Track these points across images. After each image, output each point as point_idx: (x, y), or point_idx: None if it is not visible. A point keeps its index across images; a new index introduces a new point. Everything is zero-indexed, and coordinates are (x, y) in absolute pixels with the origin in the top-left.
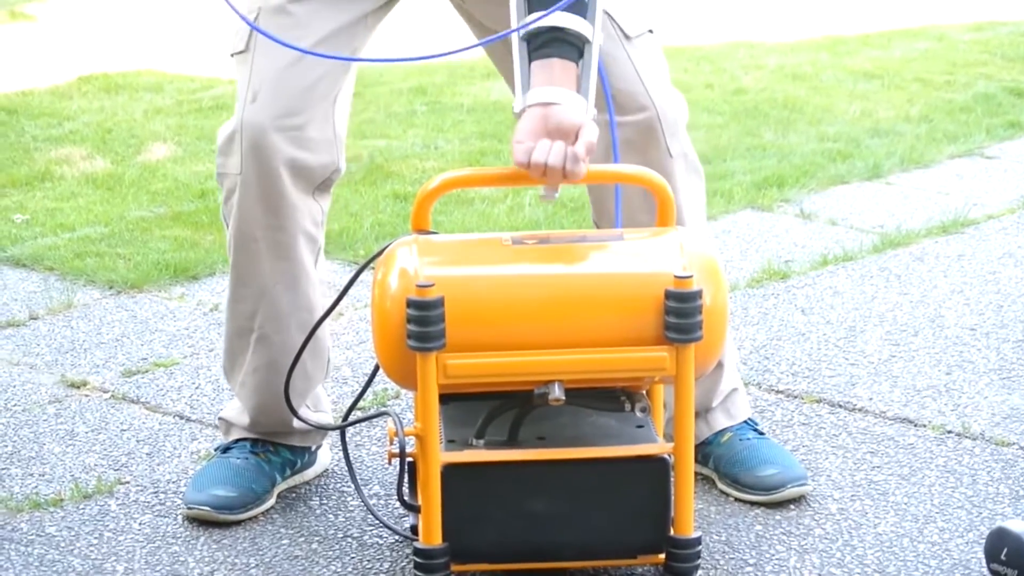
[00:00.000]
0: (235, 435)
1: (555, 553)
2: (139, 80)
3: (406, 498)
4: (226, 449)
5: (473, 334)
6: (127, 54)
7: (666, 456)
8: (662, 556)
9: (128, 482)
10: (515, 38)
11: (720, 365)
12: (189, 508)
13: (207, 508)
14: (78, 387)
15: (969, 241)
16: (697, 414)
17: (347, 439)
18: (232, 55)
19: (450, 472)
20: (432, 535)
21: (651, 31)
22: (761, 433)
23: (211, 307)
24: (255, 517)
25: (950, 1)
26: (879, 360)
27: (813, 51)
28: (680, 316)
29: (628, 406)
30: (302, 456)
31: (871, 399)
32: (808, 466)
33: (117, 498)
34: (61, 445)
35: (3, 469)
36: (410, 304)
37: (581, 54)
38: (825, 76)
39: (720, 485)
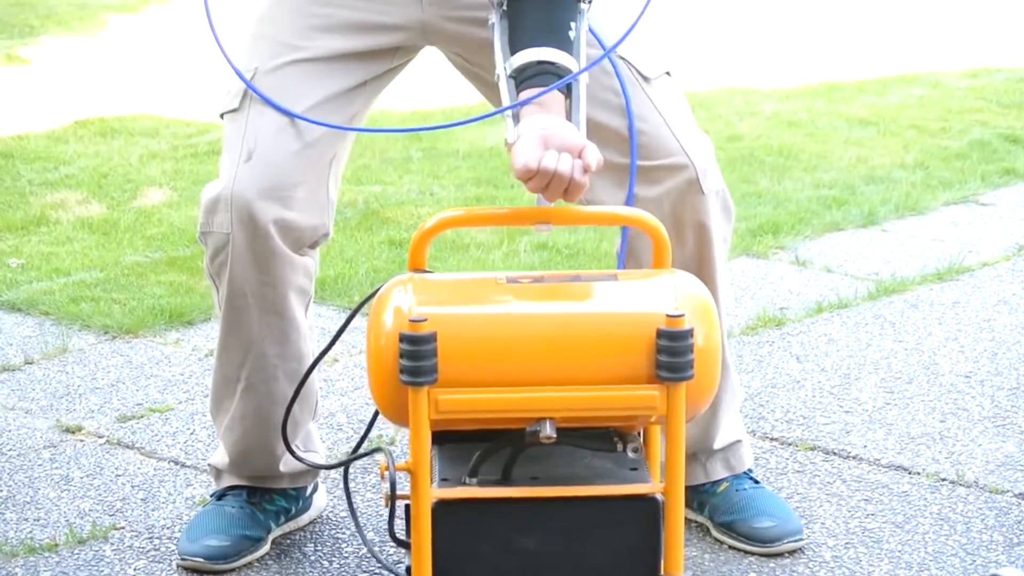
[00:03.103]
0: (227, 481)
1: None
2: (135, 124)
3: (398, 535)
4: (221, 496)
5: (465, 370)
6: (123, 98)
7: (657, 496)
8: None
9: (123, 527)
10: (502, 75)
11: (719, 406)
12: (183, 559)
13: (201, 559)
14: (73, 432)
15: (964, 288)
16: (695, 457)
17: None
18: (223, 114)
19: (441, 508)
20: (423, 572)
21: (668, 73)
22: (757, 482)
23: (206, 352)
24: (250, 564)
25: (945, 48)
26: (873, 408)
27: (809, 98)
28: (672, 355)
29: (620, 446)
30: (296, 503)
31: (865, 447)
32: (802, 514)
33: (112, 543)
34: (56, 490)
35: None
36: (402, 339)
37: (570, 88)
38: (821, 123)
39: (715, 533)
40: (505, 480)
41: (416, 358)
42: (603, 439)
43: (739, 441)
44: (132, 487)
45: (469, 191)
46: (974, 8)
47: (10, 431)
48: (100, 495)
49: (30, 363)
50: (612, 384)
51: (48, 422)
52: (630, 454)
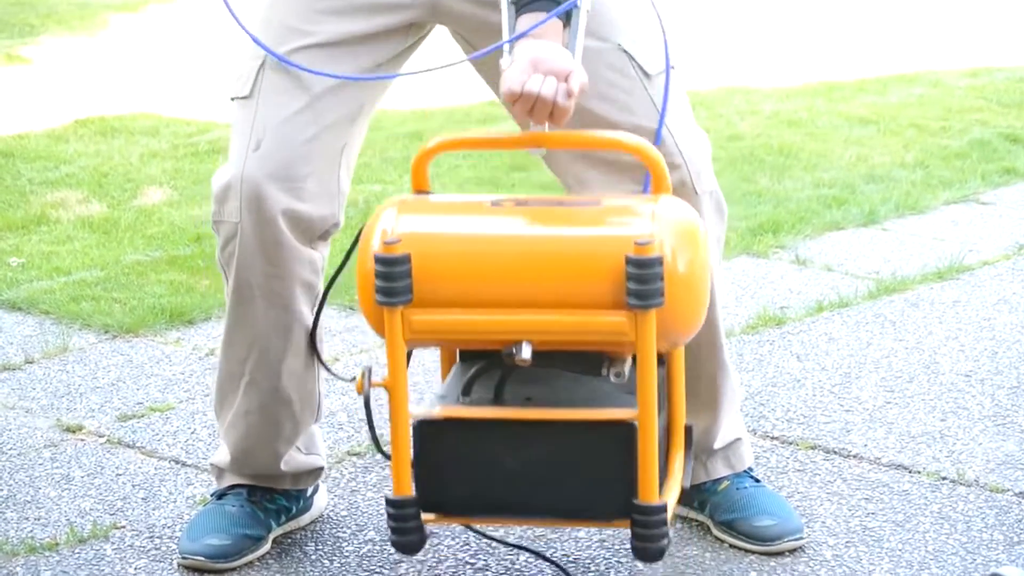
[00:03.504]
0: (228, 480)
1: (523, 511)
2: (135, 123)
3: (385, 449)
4: (221, 495)
5: (439, 291)
6: (123, 97)
7: (632, 421)
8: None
9: (124, 527)
10: (503, 2)
11: (719, 406)
12: (184, 558)
13: (202, 558)
14: (74, 431)
15: (964, 287)
16: (696, 457)
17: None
18: (233, 99)
19: (421, 427)
20: (402, 486)
21: (673, 67)
22: (757, 481)
23: (207, 352)
24: (250, 563)
25: (946, 47)
26: (874, 406)
27: (809, 97)
28: (639, 282)
29: (605, 371)
30: (297, 502)
31: (866, 445)
32: (803, 513)
33: (113, 543)
34: (57, 489)
35: None
36: (376, 260)
37: (570, 17)
38: (821, 122)
39: (715, 532)
40: (498, 401)
41: (389, 279)
42: (592, 363)
43: (739, 439)
44: (133, 486)
45: (470, 190)
46: (974, 7)
47: (11, 430)
48: (101, 494)
49: (31, 362)
50: (584, 309)
51: (49, 421)
52: (612, 379)
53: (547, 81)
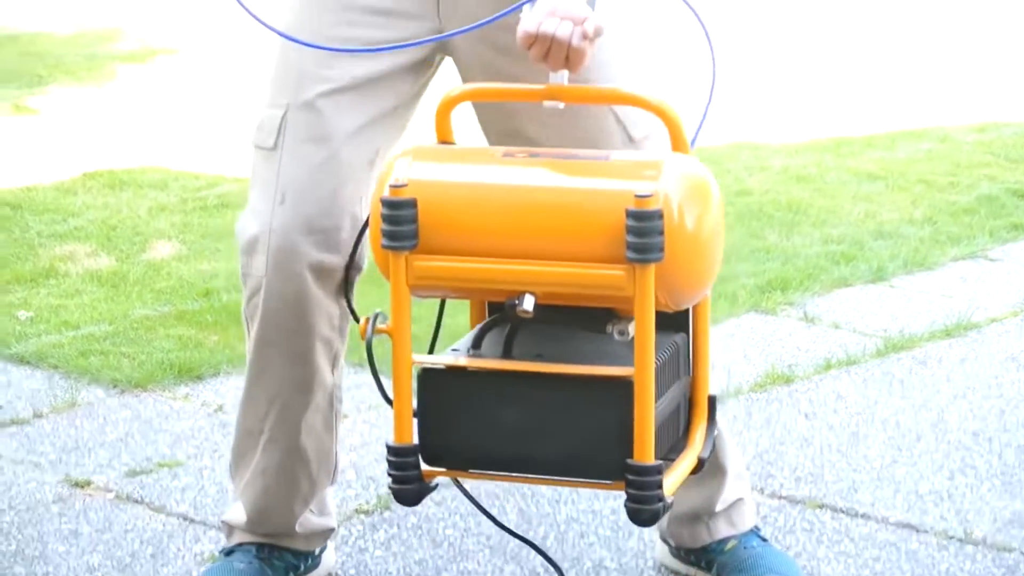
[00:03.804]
0: (238, 538)
1: (522, 467)
2: (144, 177)
3: (390, 395)
4: (229, 552)
5: (444, 238)
6: (131, 150)
7: (630, 379)
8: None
9: None
10: None
11: (722, 471)
12: None
13: None
14: (82, 486)
15: (972, 345)
16: (699, 518)
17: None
18: (256, 147)
19: (424, 376)
20: (403, 433)
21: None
22: (764, 540)
23: (215, 407)
24: None
25: (954, 102)
26: (881, 465)
27: (818, 152)
28: (638, 235)
29: (609, 328)
30: (305, 560)
31: (873, 504)
32: (811, 572)
33: None
34: (65, 544)
35: (7, 568)
36: (382, 203)
37: None
38: (829, 177)
39: None
40: (505, 355)
41: (393, 222)
42: (598, 320)
43: (740, 499)
44: (141, 542)
45: None
46: (982, 62)
47: (19, 485)
48: (109, 550)
49: (39, 416)
50: (586, 262)
51: (57, 476)
52: (616, 336)
53: (562, 24)
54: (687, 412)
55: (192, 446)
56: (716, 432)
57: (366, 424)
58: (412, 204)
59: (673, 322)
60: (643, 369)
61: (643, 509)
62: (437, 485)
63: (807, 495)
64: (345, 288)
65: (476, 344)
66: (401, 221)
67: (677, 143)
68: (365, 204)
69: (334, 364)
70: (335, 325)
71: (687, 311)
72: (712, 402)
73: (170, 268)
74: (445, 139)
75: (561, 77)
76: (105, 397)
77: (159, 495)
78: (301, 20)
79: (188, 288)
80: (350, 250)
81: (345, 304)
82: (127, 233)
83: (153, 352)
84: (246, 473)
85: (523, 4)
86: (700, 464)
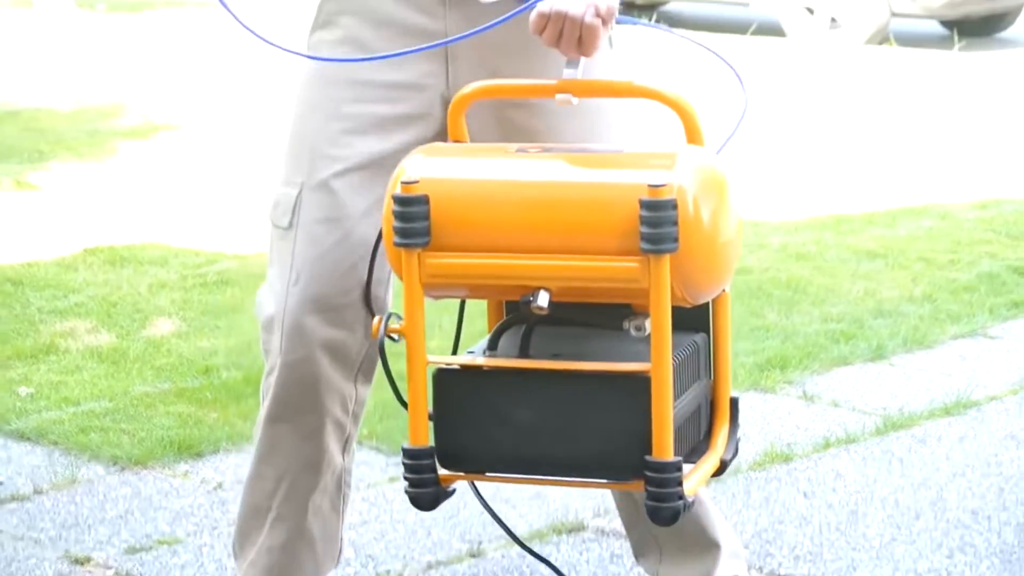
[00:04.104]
0: None
1: (539, 468)
2: (144, 253)
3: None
4: None
5: (456, 234)
6: (132, 226)
7: (646, 374)
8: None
9: None
10: None
11: (716, 547)
12: None
13: None
14: (82, 563)
15: (971, 423)
16: None
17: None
18: (273, 225)
19: (439, 376)
20: (418, 435)
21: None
22: None
23: (215, 485)
24: None
25: (954, 179)
26: (881, 543)
27: (817, 230)
28: (652, 225)
29: (626, 324)
30: None
31: None
32: None
33: None
34: None
35: None
36: (394, 200)
37: None
38: (829, 255)
39: None
40: (521, 355)
41: (406, 219)
42: (615, 314)
43: None
44: None
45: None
46: (982, 139)
47: (19, 561)
48: None
49: (39, 492)
50: (601, 255)
51: (57, 552)
52: (633, 332)
53: (575, 3)
54: (708, 415)
55: (192, 523)
56: (739, 436)
57: (365, 502)
58: (424, 201)
59: (693, 322)
60: (660, 363)
61: (663, 507)
62: (455, 491)
63: (806, 574)
64: (367, 296)
65: (492, 345)
66: (413, 218)
67: (692, 136)
68: (385, 282)
69: (345, 447)
70: (348, 408)
71: (707, 311)
72: (734, 404)
73: (170, 345)
74: (458, 139)
75: (574, 72)
76: (105, 474)
77: (159, 572)
78: (311, 98)
79: (188, 365)
80: (363, 329)
81: (365, 391)
82: (127, 309)
83: (153, 429)
84: (251, 551)
85: (527, 7)
86: (723, 466)
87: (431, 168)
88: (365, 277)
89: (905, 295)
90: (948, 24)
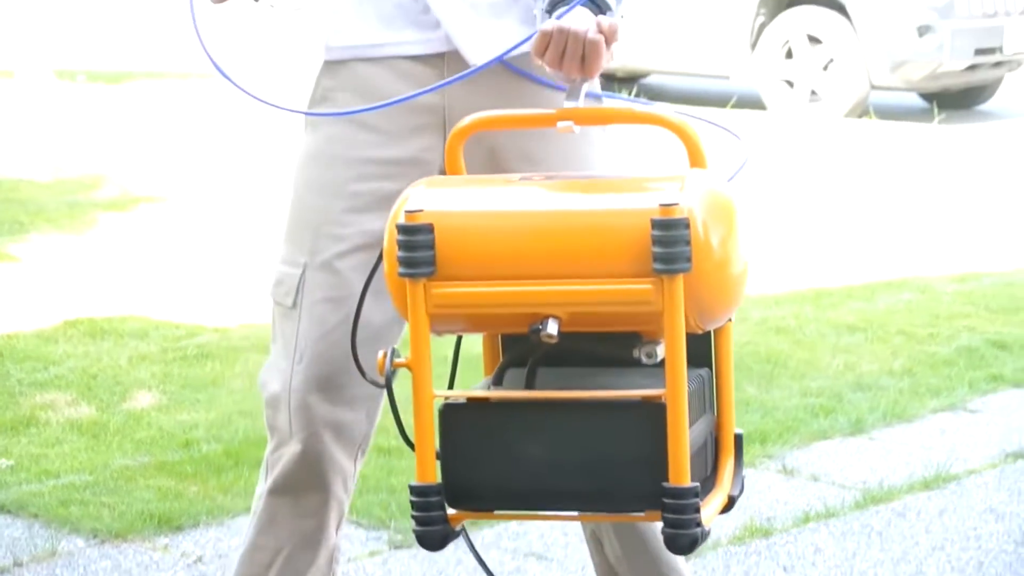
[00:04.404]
0: None
1: (552, 503)
2: (124, 326)
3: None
4: None
5: (462, 263)
6: (112, 298)
7: (660, 400)
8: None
9: None
10: (538, 14)
11: None
12: None
13: None
14: None
15: (951, 497)
16: None
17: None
18: (277, 303)
19: (446, 412)
20: (426, 472)
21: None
22: None
23: (195, 558)
24: None
25: (933, 252)
26: None
27: (797, 304)
28: (664, 245)
29: (636, 352)
30: None
31: None
32: None
33: None
34: None
35: None
36: (398, 229)
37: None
38: (809, 329)
39: None
40: (528, 387)
41: (410, 248)
42: (624, 344)
43: None
44: None
45: None
46: (961, 212)
47: None
48: None
49: (19, 565)
50: (613, 278)
51: None
52: (644, 359)
53: (576, 20)
54: (714, 450)
55: None
56: (744, 473)
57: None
58: (429, 229)
59: (696, 357)
60: (675, 386)
61: (681, 534)
62: (463, 530)
63: None
64: (353, 348)
65: (497, 382)
66: (417, 247)
67: (696, 161)
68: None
69: (339, 524)
70: (347, 486)
71: (709, 346)
72: (739, 440)
73: (150, 418)
74: (455, 172)
75: (575, 103)
76: (85, 547)
77: None
78: (312, 178)
79: (168, 438)
80: (365, 407)
81: (359, 466)
82: (107, 382)
83: (133, 502)
84: None
85: (523, 42)
86: (731, 502)
87: (435, 198)
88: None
89: (885, 369)
90: (928, 97)
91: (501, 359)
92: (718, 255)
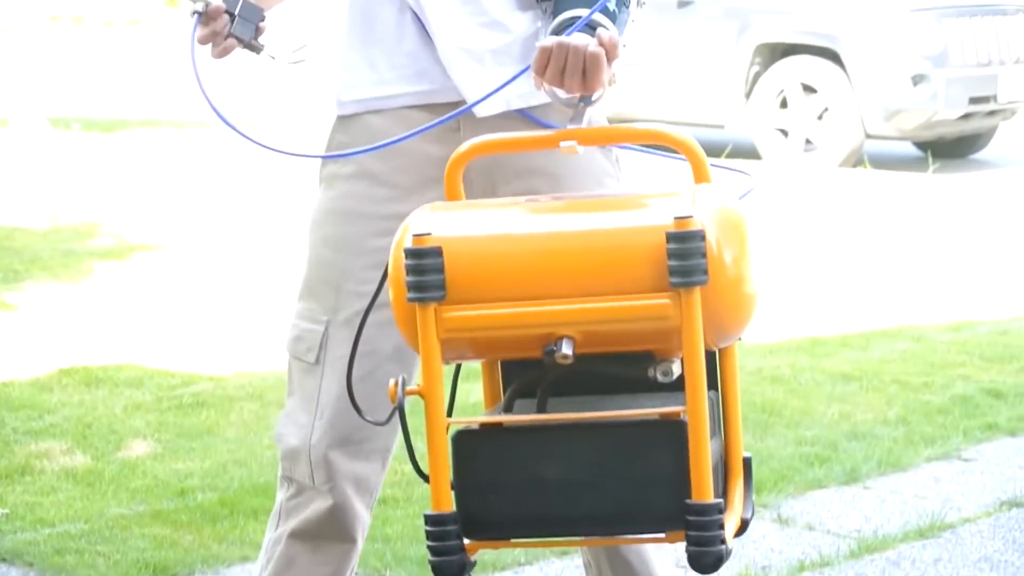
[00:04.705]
0: None
1: (571, 527)
2: (120, 374)
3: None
4: None
5: (473, 286)
6: (107, 347)
7: (680, 418)
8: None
9: None
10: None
11: None
12: None
13: None
14: None
15: (946, 545)
16: None
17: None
18: (295, 358)
19: (459, 439)
20: (440, 501)
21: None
22: None
23: None
24: None
25: (928, 301)
26: None
27: (792, 353)
28: (680, 257)
29: (652, 371)
30: None
31: None
32: None
33: None
34: None
35: None
36: (407, 253)
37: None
38: (803, 378)
39: None
40: (539, 411)
41: (419, 272)
42: (636, 366)
43: None
44: None
45: None
46: (956, 260)
47: None
48: None
49: None
50: (629, 295)
51: None
52: (659, 377)
53: (576, 36)
54: (723, 474)
55: None
56: (753, 496)
57: None
58: (438, 252)
59: None
60: (696, 401)
61: (707, 552)
62: (476, 562)
63: None
64: (348, 378)
65: (507, 409)
66: (427, 270)
67: (701, 177)
68: None
69: (351, 572)
70: (364, 535)
71: (714, 368)
72: (747, 463)
73: (145, 467)
74: (455, 198)
75: (578, 121)
76: None
77: None
78: (330, 235)
79: (163, 487)
80: (382, 460)
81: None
82: (103, 431)
83: (128, 551)
84: None
85: (523, 71)
86: (744, 525)
87: (441, 222)
88: (387, 416)
89: (879, 418)
90: (922, 146)
91: (503, 388)
92: (732, 269)
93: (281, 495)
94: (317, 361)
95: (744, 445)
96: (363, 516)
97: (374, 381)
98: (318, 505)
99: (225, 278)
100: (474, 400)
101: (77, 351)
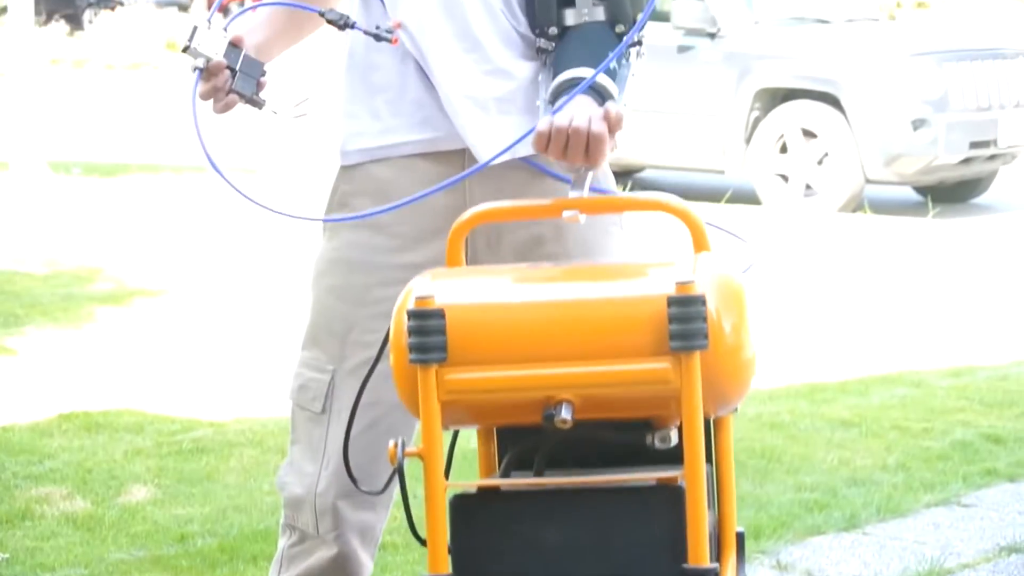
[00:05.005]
0: None
1: None
2: (120, 420)
3: (421, 533)
4: None
5: (474, 349)
6: (108, 392)
7: (678, 483)
8: None
9: None
10: (541, 105)
11: None
12: None
13: None
14: None
15: None
16: None
17: None
18: (301, 407)
19: (456, 502)
20: (438, 563)
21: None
22: None
23: None
24: None
25: (928, 346)
26: None
27: (791, 399)
28: (681, 321)
29: (650, 439)
30: None
31: None
32: None
33: None
34: None
35: None
36: (409, 315)
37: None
38: (803, 424)
39: None
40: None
41: (422, 333)
42: (633, 434)
43: None
44: None
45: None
46: (956, 306)
47: None
48: None
49: None
50: (630, 359)
51: None
52: (657, 444)
53: (577, 114)
54: (716, 548)
55: None
56: (746, 573)
57: None
58: (440, 315)
59: None
60: (693, 466)
61: None
62: None
63: None
64: (345, 448)
65: (505, 475)
66: (429, 332)
67: (700, 245)
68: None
69: None
70: None
71: (709, 441)
72: (740, 538)
73: (145, 512)
74: (455, 266)
75: (580, 193)
76: None
77: None
78: (335, 285)
79: (163, 533)
80: (385, 509)
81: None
82: (102, 476)
83: None
84: None
85: (527, 134)
86: None
87: (443, 286)
88: (387, 462)
89: (879, 464)
90: (923, 191)
91: (499, 456)
92: (732, 335)
93: (283, 542)
94: (323, 410)
95: (743, 491)
96: (367, 565)
97: (379, 431)
98: (322, 554)
99: (225, 323)
100: (475, 444)
101: (77, 396)
